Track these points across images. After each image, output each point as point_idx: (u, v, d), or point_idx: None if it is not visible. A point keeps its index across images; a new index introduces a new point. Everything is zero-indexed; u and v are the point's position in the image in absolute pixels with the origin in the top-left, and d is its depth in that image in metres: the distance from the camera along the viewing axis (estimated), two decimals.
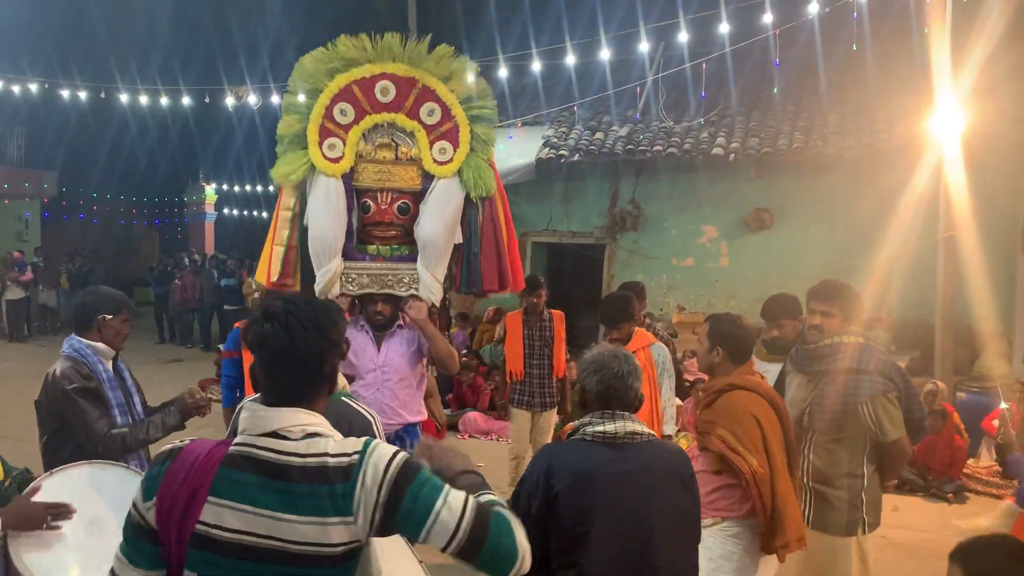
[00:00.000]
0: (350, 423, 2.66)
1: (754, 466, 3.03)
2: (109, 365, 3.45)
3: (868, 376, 3.47)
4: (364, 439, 1.77)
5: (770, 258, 10.86)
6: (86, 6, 18.04)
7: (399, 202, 4.42)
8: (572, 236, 12.28)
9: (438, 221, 4.35)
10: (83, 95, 13.89)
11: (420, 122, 4.40)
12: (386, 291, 4.41)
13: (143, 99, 13.85)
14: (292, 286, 4.52)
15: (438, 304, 4.56)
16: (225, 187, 26.50)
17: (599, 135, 11.93)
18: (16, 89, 14.11)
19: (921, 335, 9.40)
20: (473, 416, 9.35)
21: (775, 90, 11.04)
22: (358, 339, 4.34)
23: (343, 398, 2.76)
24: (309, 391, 1.81)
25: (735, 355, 3.35)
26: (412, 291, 4.40)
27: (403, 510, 1.67)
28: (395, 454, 1.73)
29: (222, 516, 1.67)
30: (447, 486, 1.73)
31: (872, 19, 9.17)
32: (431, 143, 4.40)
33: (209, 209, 25.04)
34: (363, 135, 4.38)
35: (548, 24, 13.17)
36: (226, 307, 15.49)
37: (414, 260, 4.42)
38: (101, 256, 21.22)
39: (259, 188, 27.37)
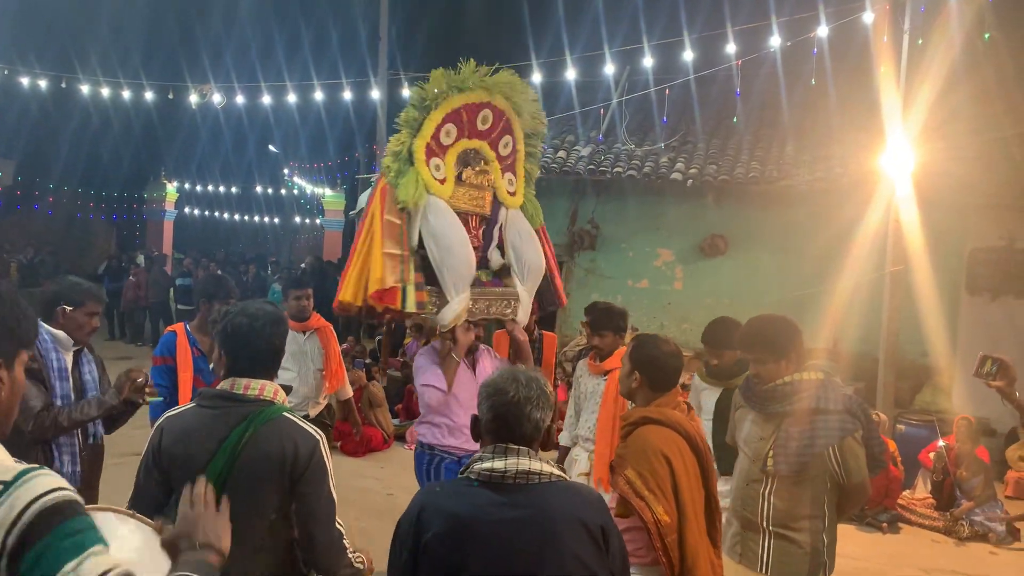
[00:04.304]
0: (295, 443, 2.39)
1: (659, 514, 2.69)
2: (67, 356, 3.37)
3: (836, 416, 3.24)
4: (23, 467, 1.37)
5: (723, 284, 11.00)
6: None
7: (483, 227, 4.41)
8: None
9: (539, 249, 4.49)
10: (43, 84, 13.68)
11: (497, 153, 4.42)
12: (497, 316, 4.40)
13: (106, 92, 13.68)
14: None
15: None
16: (187, 186, 26.20)
17: (561, 153, 12.02)
18: None
19: (865, 367, 9.55)
20: None
21: (735, 119, 11.23)
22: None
23: (284, 414, 2.46)
24: None
25: (655, 383, 3.02)
26: (510, 314, 4.44)
27: (24, 568, 1.28)
28: (48, 492, 1.33)
29: None
30: (94, 548, 1.34)
31: (832, 56, 9.41)
32: (502, 173, 4.45)
33: (169, 207, 24.71)
34: (457, 157, 4.26)
35: (515, 42, 13.29)
36: (179, 307, 15.28)
37: (499, 284, 4.45)
38: (55, 249, 20.82)
39: (221, 189, 27.10)
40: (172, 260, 20.51)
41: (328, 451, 2.49)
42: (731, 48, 9.54)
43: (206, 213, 29.22)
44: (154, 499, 2.40)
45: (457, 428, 4.19)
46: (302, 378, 5.26)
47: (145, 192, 25.16)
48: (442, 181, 4.14)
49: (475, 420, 2.29)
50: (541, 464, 2.18)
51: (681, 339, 10.85)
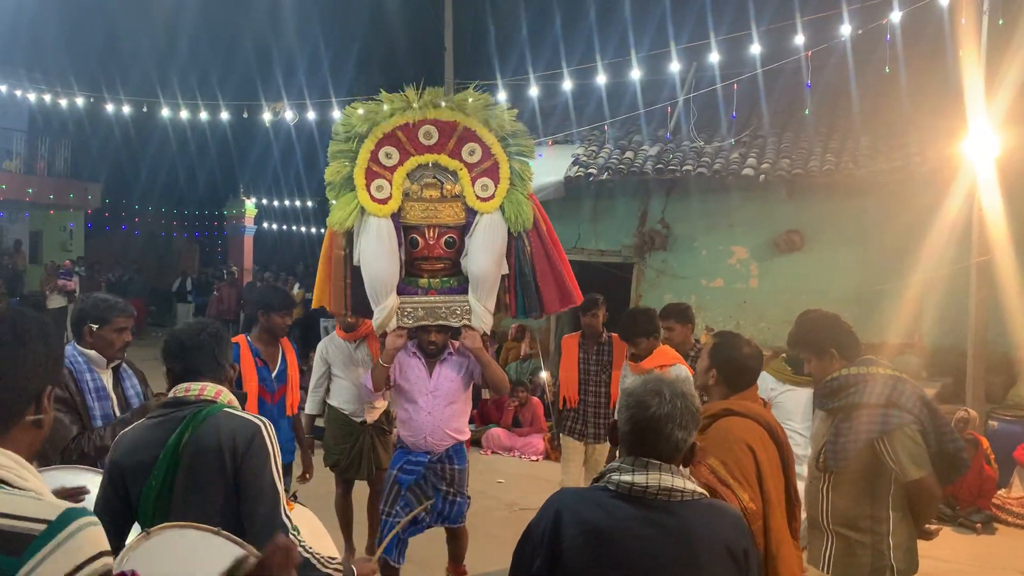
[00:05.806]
0: (233, 432, 2.37)
1: (744, 501, 2.66)
2: (104, 374, 3.37)
3: (880, 409, 3.16)
4: (65, 507, 1.33)
5: (800, 280, 10.74)
6: (130, 24, 18.57)
7: (446, 236, 4.58)
8: (600, 255, 12.26)
9: (489, 256, 4.51)
10: (126, 109, 14.26)
11: (462, 161, 4.55)
12: (440, 323, 4.59)
13: (184, 114, 14.17)
14: (347, 315, 5.01)
15: (488, 332, 4.79)
16: (264, 201, 26.87)
17: (629, 154, 11.94)
18: (63, 102, 14.54)
19: (953, 362, 9.21)
20: (496, 432, 9.37)
21: (807, 111, 10.99)
22: (410, 365, 4.63)
23: (226, 409, 2.46)
24: None
25: (730, 382, 3.00)
26: (464, 322, 4.57)
27: None
28: (100, 554, 1.30)
29: None
30: None
31: (905, 41, 9.08)
32: (473, 180, 4.53)
33: (249, 223, 25.35)
34: (407, 175, 4.53)
35: (579, 43, 13.27)
36: None
37: (462, 291, 4.59)
38: (142, 267, 21.66)
39: (298, 203, 27.74)
40: (253, 274, 21.11)
41: (273, 439, 2.43)
42: (800, 39, 9.31)
43: (283, 227, 29.93)
44: (115, 512, 2.40)
45: (402, 421, 4.67)
46: (355, 385, 5.39)
47: (224, 209, 25.95)
48: (384, 200, 4.46)
49: (613, 426, 2.23)
50: (684, 481, 2.09)
51: (759, 338, 10.54)
